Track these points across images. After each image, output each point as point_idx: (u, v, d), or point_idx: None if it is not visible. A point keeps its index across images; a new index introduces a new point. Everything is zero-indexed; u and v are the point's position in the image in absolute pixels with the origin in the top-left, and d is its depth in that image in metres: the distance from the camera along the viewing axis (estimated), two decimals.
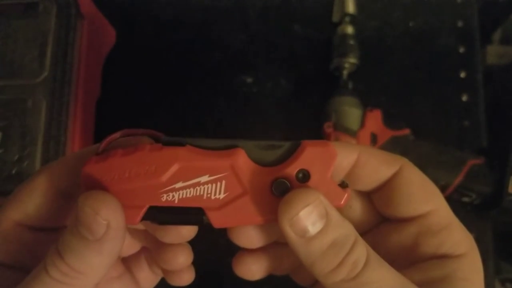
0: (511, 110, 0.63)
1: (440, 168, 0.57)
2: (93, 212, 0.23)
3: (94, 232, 0.24)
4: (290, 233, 0.24)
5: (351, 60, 0.63)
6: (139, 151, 0.25)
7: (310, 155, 0.26)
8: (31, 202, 0.27)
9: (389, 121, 0.60)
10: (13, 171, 0.53)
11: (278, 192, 0.26)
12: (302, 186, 0.26)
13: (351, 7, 0.65)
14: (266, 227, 0.28)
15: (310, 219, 0.24)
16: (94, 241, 0.24)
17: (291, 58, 0.68)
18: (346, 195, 0.26)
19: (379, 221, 0.31)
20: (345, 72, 0.63)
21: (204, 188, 0.26)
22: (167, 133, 0.27)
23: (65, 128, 0.56)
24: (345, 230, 0.25)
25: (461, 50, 0.67)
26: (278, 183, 0.26)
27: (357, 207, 0.31)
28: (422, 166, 0.55)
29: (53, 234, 0.29)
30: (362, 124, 0.59)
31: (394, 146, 0.58)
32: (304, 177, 0.26)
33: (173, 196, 0.26)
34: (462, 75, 0.66)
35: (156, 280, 0.33)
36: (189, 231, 0.28)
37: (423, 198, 0.28)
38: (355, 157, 0.28)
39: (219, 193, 0.26)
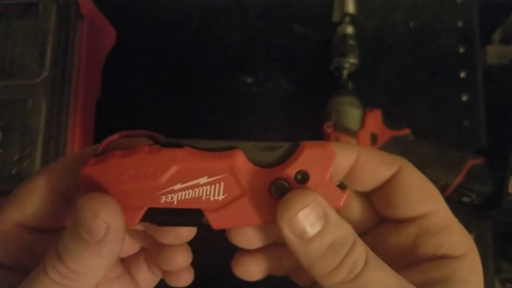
0: (511, 110, 0.63)
1: (440, 168, 0.57)
2: (93, 214, 0.23)
3: (93, 234, 0.24)
4: (289, 235, 0.24)
5: (351, 60, 0.63)
6: (137, 152, 0.25)
7: (309, 156, 0.26)
8: (30, 203, 0.27)
9: (389, 121, 0.60)
10: (13, 171, 0.53)
11: (277, 193, 0.26)
12: (301, 188, 0.26)
13: (351, 7, 0.65)
14: (265, 228, 0.28)
15: (309, 220, 0.24)
16: (93, 243, 0.24)
17: (291, 58, 0.68)
18: (345, 196, 0.26)
19: (379, 222, 0.31)
20: (345, 72, 0.63)
21: (203, 190, 0.26)
22: (167, 133, 0.27)
23: (65, 128, 0.56)
24: (344, 231, 0.25)
25: (461, 50, 0.67)
26: (277, 185, 0.26)
27: (356, 208, 0.31)
28: (422, 166, 0.55)
29: (52, 235, 0.29)
30: (362, 124, 0.59)
31: (394, 146, 0.58)
32: (303, 178, 0.26)
33: (172, 198, 0.26)
34: (462, 75, 0.66)
35: (155, 281, 0.33)
36: (188, 232, 0.28)
37: (422, 199, 0.28)
38: (354, 157, 0.28)
39: (218, 195, 0.26)
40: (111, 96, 0.66)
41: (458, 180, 0.57)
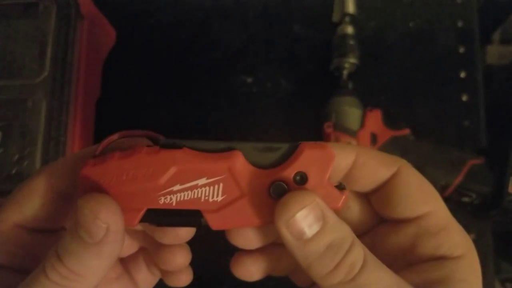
0: (511, 110, 0.63)
1: (440, 168, 0.57)
2: (93, 215, 0.23)
3: (93, 235, 0.24)
4: (287, 235, 0.24)
5: (351, 60, 0.63)
6: (136, 154, 0.25)
7: (307, 158, 0.26)
8: (30, 203, 0.27)
9: (389, 121, 0.60)
10: (13, 171, 0.53)
11: (275, 194, 0.26)
12: (299, 189, 0.26)
13: (351, 7, 0.65)
14: (264, 228, 0.28)
15: (307, 221, 0.24)
16: (93, 244, 0.24)
17: (291, 58, 0.68)
18: (343, 198, 0.26)
19: (378, 222, 0.31)
20: (345, 72, 0.63)
21: (202, 191, 0.26)
22: (167, 133, 0.27)
23: (65, 128, 0.56)
24: (342, 232, 0.25)
25: (461, 50, 0.67)
26: (276, 186, 0.26)
27: (355, 208, 0.31)
28: (422, 166, 0.56)
29: (52, 235, 0.29)
30: (362, 124, 0.59)
31: (394, 146, 0.58)
32: (301, 180, 0.26)
33: (170, 199, 0.26)
34: (462, 75, 0.66)
35: (154, 281, 0.33)
36: (187, 232, 0.28)
37: (421, 200, 0.28)
38: (353, 158, 0.28)
39: (217, 196, 0.26)
40: (111, 96, 0.66)
41: (458, 180, 0.57)
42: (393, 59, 0.67)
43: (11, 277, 0.27)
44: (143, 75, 0.69)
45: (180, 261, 0.30)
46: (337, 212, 0.26)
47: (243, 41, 0.69)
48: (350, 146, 0.29)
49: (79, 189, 0.26)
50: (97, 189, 0.25)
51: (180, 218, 0.26)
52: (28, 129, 0.54)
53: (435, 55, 0.67)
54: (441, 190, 0.57)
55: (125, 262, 0.33)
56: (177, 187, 0.25)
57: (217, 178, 0.26)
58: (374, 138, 0.59)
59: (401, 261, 0.28)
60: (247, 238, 0.29)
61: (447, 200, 0.56)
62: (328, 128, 0.59)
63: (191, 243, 0.30)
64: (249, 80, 0.67)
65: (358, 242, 0.25)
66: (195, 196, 0.26)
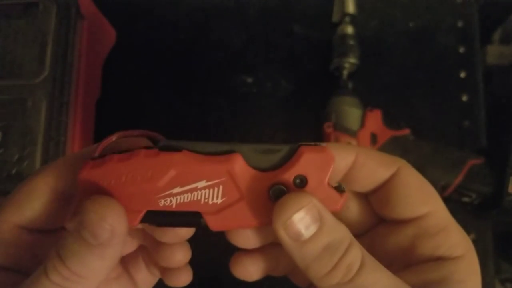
0: (511, 110, 0.63)
1: (440, 168, 0.57)
2: (99, 218, 0.24)
3: (98, 237, 0.24)
4: (284, 237, 0.24)
5: (351, 60, 0.63)
6: (134, 156, 0.25)
7: (307, 161, 0.25)
8: (29, 204, 0.27)
9: (389, 121, 0.60)
10: (13, 171, 0.53)
11: (275, 197, 0.26)
12: (297, 191, 0.26)
13: (351, 7, 0.65)
14: (263, 228, 0.28)
15: (304, 223, 0.24)
16: (96, 246, 0.24)
17: (291, 58, 0.68)
18: (342, 200, 0.26)
19: (377, 223, 0.31)
20: (345, 72, 0.63)
21: (202, 193, 0.26)
22: (167, 133, 0.27)
23: (65, 128, 0.56)
24: (339, 233, 0.25)
25: (461, 50, 0.67)
26: (275, 189, 0.26)
27: (355, 208, 0.31)
28: (422, 166, 0.56)
29: (51, 235, 0.29)
30: (362, 124, 0.59)
31: (394, 146, 0.58)
32: (301, 183, 0.26)
33: (170, 201, 0.26)
34: (462, 75, 0.66)
35: (153, 281, 0.33)
36: (187, 231, 0.28)
37: (421, 200, 0.28)
38: (353, 158, 0.28)
39: (217, 198, 0.26)
40: (111, 96, 0.66)
41: (458, 180, 0.57)
42: (393, 59, 0.67)
43: (11, 277, 0.27)
44: (143, 75, 0.69)
45: (180, 258, 0.30)
46: (336, 212, 0.26)
47: (243, 41, 0.69)
48: (350, 146, 0.29)
49: (78, 191, 0.26)
50: (96, 191, 0.25)
51: (180, 219, 0.26)
52: (28, 129, 0.54)
53: (435, 55, 0.67)
54: (441, 190, 0.57)
55: (124, 262, 0.33)
56: (176, 190, 0.25)
57: (216, 181, 0.26)
58: (374, 138, 0.59)
59: (400, 261, 0.28)
60: (246, 237, 0.29)
61: (447, 200, 0.56)
62: (328, 128, 0.59)
63: (191, 243, 0.30)
64: (249, 80, 0.67)
65: (355, 243, 0.25)
66: (195, 198, 0.26)
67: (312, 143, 0.27)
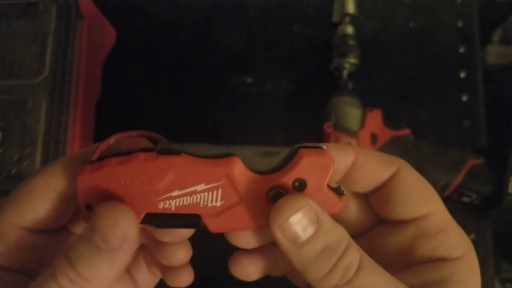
0: (511, 110, 0.63)
1: (440, 168, 0.57)
2: (112, 223, 0.24)
3: (109, 242, 0.24)
4: (282, 239, 0.24)
5: (351, 60, 0.63)
6: (133, 160, 0.25)
7: (307, 165, 0.25)
8: (29, 204, 0.27)
9: (389, 121, 0.60)
10: (13, 171, 0.53)
11: (274, 200, 0.26)
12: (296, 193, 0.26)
13: (351, 7, 0.65)
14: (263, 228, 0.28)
15: (301, 225, 0.24)
16: (107, 251, 0.24)
17: (291, 58, 0.68)
18: (341, 203, 0.26)
19: (376, 223, 0.31)
20: (345, 72, 0.63)
21: (201, 196, 0.26)
22: (167, 133, 0.27)
23: (65, 128, 0.56)
24: (337, 235, 0.25)
25: (461, 50, 0.67)
26: (275, 192, 0.26)
27: (354, 208, 0.31)
28: (422, 166, 0.56)
29: (52, 235, 0.29)
30: (362, 124, 0.59)
31: (394, 146, 0.58)
32: (300, 186, 0.26)
33: (169, 204, 0.26)
34: (462, 75, 0.66)
35: (154, 281, 0.33)
36: (187, 231, 0.28)
37: (420, 201, 0.28)
38: (352, 159, 0.28)
39: (216, 201, 0.26)
40: (111, 96, 0.66)
41: (458, 180, 0.57)
42: (393, 59, 0.67)
43: (12, 277, 0.27)
44: (143, 75, 0.69)
45: (181, 256, 0.30)
46: (335, 213, 0.26)
47: (243, 41, 0.69)
48: (349, 146, 0.29)
49: (77, 195, 0.26)
50: (95, 195, 0.25)
51: (179, 221, 0.26)
52: (28, 129, 0.54)
53: (435, 55, 0.67)
54: (441, 190, 0.57)
55: None
56: (175, 193, 0.25)
57: (215, 184, 0.26)
58: (374, 138, 0.59)
59: (399, 262, 0.28)
60: (245, 237, 0.29)
61: (447, 200, 0.56)
62: (328, 128, 0.59)
63: (191, 243, 0.30)
64: (249, 80, 0.67)
65: (353, 245, 0.25)
66: (194, 201, 0.26)
67: (312, 144, 0.26)
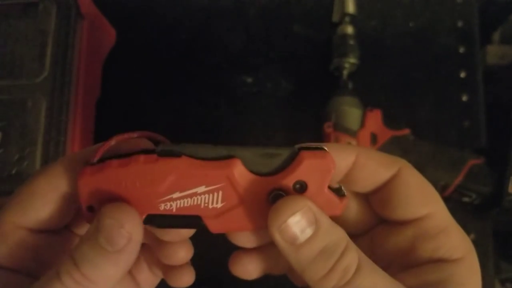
0: (511, 110, 0.63)
1: (440, 168, 0.57)
2: (118, 225, 0.24)
3: (114, 243, 0.24)
4: (280, 240, 0.24)
5: (351, 60, 0.63)
6: (133, 162, 0.25)
7: (307, 167, 0.25)
8: (31, 204, 0.27)
9: (389, 121, 0.60)
10: (13, 171, 0.53)
11: (275, 202, 0.25)
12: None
13: (351, 7, 0.65)
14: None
15: (299, 226, 0.24)
16: (112, 252, 0.24)
17: (291, 58, 0.68)
18: (342, 205, 0.26)
19: (377, 223, 0.31)
20: (345, 72, 0.63)
21: (201, 198, 0.26)
22: (167, 133, 0.27)
23: (65, 128, 0.56)
24: (336, 236, 0.25)
25: (461, 50, 0.67)
26: (275, 194, 0.26)
27: (355, 209, 0.31)
28: (422, 166, 0.56)
29: (54, 236, 0.29)
30: (362, 124, 0.59)
31: (394, 146, 0.58)
32: (301, 188, 0.26)
33: (170, 205, 0.26)
34: (462, 75, 0.66)
35: (156, 281, 0.33)
36: (188, 230, 0.29)
37: (421, 201, 0.28)
38: (353, 159, 0.28)
39: (216, 203, 0.26)
40: (111, 96, 0.66)
41: (458, 180, 0.57)
42: (393, 59, 0.67)
43: (14, 278, 0.27)
44: (143, 75, 0.69)
45: (182, 255, 0.30)
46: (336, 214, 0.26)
47: (243, 41, 0.69)
48: (350, 146, 0.29)
49: (78, 197, 0.26)
50: (97, 196, 0.25)
51: (180, 222, 0.26)
52: (28, 129, 0.54)
53: (435, 55, 0.67)
54: (441, 190, 0.57)
55: None
56: (176, 195, 0.25)
57: (216, 186, 0.26)
58: (374, 138, 0.59)
59: (399, 262, 0.28)
60: (246, 237, 0.29)
61: (447, 200, 0.56)
62: (328, 128, 0.59)
63: (192, 243, 0.30)
64: (249, 80, 0.67)
65: (352, 246, 0.25)
66: (195, 203, 0.26)
67: (313, 144, 0.26)
